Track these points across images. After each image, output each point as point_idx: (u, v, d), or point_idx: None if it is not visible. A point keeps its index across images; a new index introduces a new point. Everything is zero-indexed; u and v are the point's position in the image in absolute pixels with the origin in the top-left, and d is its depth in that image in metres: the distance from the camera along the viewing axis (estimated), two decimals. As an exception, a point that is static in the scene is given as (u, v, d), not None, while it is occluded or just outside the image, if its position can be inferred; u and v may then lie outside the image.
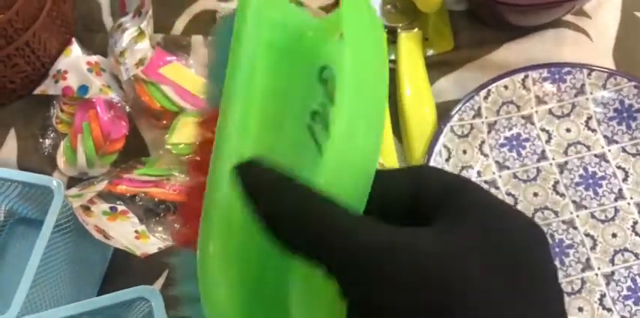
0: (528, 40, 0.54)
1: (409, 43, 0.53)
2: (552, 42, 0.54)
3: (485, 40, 0.54)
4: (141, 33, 0.50)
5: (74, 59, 0.53)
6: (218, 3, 0.57)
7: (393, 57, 0.54)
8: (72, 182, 0.53)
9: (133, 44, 0.50)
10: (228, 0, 0.56)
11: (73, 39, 0.54)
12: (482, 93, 0.50)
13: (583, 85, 0.51)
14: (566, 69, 0.51)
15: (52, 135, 0.54)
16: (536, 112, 0.51)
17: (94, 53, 0.55)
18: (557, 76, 0.51)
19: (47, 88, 0.53)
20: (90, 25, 0.58)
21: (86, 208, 0.46)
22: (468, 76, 0.54)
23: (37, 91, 0.53)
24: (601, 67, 0.51)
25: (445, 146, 0.49)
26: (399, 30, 0.54)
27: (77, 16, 0.58)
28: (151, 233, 0.48)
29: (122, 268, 0.51)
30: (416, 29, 0.54)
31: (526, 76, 0.51)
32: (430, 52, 0.55)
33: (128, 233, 0.46)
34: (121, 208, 0.48)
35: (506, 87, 0.51)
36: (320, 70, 0.23)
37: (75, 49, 0.54)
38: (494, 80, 0.50)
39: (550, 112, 0.52)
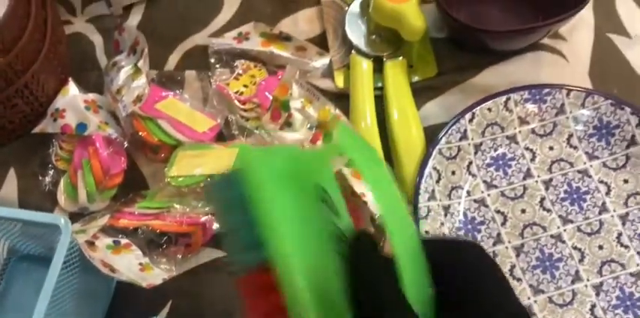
0: (508, 63, 0.57)
1: (395, 71, 0.56)
2: (531, 64, 0.57)
3: (467, 65, 0.57)
4: (137, 70, 0.52)
5: (71, 98, 0.55)
6: (209, 38, 0.59)
7: (380, 84, 0.57)
8: (73, 218, 0.55)
9: (130, 81, 0.53)
10: (218, 35, 0.59)
11: (70, 78, 0.56)
12: (467, 116, 0.53)
13: (563, 104, 0.54)
14: (546, 90, 0.54)
15: (51, 172, 0.56)
16: (520, 132, 0.54)
17: (90, 91, 0.58)
18: (537, 97, 0.54)
19: (46, 126, 0.55)
20: (84, 64, 0.60)
21: (91, 244, 0.48)
22: (452, 100, 0.57)
23: (36, 130, 0.56)
24: (579, 87, 0.54)
25: (435, 168, 0.52)
26: (384, 59, 0.57)
27: (72, 55, 0.60)
28: (154, 265, 0.50)
29: (127, 299, 0.53)
30: (401, 57, 0.57)
31: (508, 99, 0.54)
32: (415, 79, 0.58)
33: (133, 266, 0.48)
34: (124, 241, 0.50)
35: (489, 109, 0.54)
36: (318, 194, 0.27)
37: (72, 88, 0.56)
38: (478, 103, 0.53)
39: (533, 131, 0.54)
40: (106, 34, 0.61)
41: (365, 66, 0.56)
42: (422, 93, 0.57)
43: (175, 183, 0.49)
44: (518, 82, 0.56)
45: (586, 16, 0.59)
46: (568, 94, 0.54)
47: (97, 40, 0.61)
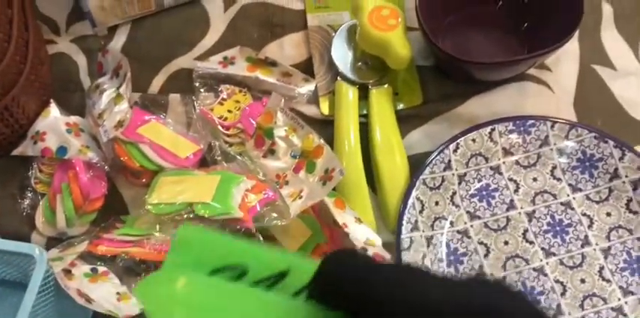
0: (493, 93, 0.57)
1: (380, 99, 0.56)
2: (516, 95, 0.58)
3: (453, 94, 0.58)
4: (119, 95, 0.52)
5: (52, 120, 0.55)
6: (194, 62, 0.59)
7: (365, 111, 0.57)
8: (51, 242, 0.55)
9: (112, 106, 0.52)
10: (204, 59, 0.59)
11: (51, 100, 0.56)
12: (452, 146, 0.53)
13: (547, 136, 0.54)
14: (531, 121, 0.54)
15: (30, 195, 0.55)
16: (504, 163, 0.55)
17: (72, 113, 0.57)
18: (522, 129, 0.54)
19: (26, 149, 0.54)
20: (67, 85, 0.60)
21: (67, 272, 0.47)
22: (437, 129, 0.57)
23: (16, 152, 0.55)
24: (563, 119, 0.54)
25: (418, 199, 0.52)
26: (370, 86, 0.57)
27: (54, 75, 0.60)
28: (131, 293, 0.49)
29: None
30: (386, 85, 0.57)
31: (493, 130, 0.54)
32: (401, 106, 0.58)
33: (110, 295, 0.47)
34: (101, 269, 0.49)
35: (474, 140, 0.54)
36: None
37: (53, 110, 0.56)
38: (462, 134, 0.53)
39: (517, 162, 0.55)
40: (90, 54, 0.61)
41: (350, 93, 0.56)
42: (407, 121, 0.57)
43: (155, 211, 0.49)
44: (503, 113, 0.57)
45: (572, 47, 0.60)
46: (552, 126, 0.54)
47: (81, 60, 0.61)
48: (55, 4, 0.62)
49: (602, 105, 0.58)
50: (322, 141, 0.49)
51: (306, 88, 0.57)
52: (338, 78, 0.58)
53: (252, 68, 0.57)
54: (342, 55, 0.58)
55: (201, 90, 0.57)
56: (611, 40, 0.61)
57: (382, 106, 0.56)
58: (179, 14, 0.62)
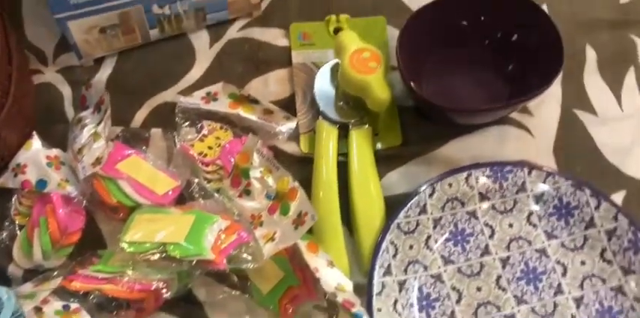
0: (473, 136, 0.58)
1: (359, 139, 0.56)
2: (496, 138, 0.58)
3: (432, 136, 0.58)
4: (97, 133, 0.52)
5: (34, 153, 0.55)
6: (177, 95, 0.60)
7: (345, 151, 0.57)
8: (28, 274, 0.55)
9: (92, 142, 0.53)
10: (187, 93, 0.60)
11: (34, 132, 0.56)
12: (427, 190, 0.53)
13: (524, 182, 0.54)
14: (508, 168, 0.54)
15: (9, 227, 0.55)
16: (480, 207, 0.55)
17: (54, 144, 0.57)
18: (499, 175, 0.54)
19: (6, 181, 0.55)
20: (52, 116, 0.60)
21: (38, 310, 0.47)
22: (415, 170, 0.57)
23: (-4, 183, 0.55)
24: (540, 166, 0.55)
25: (392, 243, 0.52)
26: (350, 126, 0.57)
27: (39, 106, 0.60)
28: (102, 331, 0.49)
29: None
30: (367, 125, 0.57)
31: (469, 175, 0.54)
32: (380, 147, 0.58)
33: (80, 333, 0.47)
34: (74, 306, 0.49)
35: (450, 185, 0.54)
36: None
37: (35, 143, 0.56)
38: (438, 178, 0.54)
39: (493, 207, 0.55)
40: (75, 86, 0.61)
41: (330, 132, 0.57)
42: (386, 161, 0.57)
43: (129, 249, 0.49)
44: (482, 156, 0.57)
45: (554, 90, 0.60)
46: (530, 173, 0.54)
47: (66, 91, 0.61)
48: (43, 35, 0.63)
49: (582, 151, 0.58)
50: (297, 184, 0.49)
51: (287, 127, 0.57)
52: (319, 117, 0.58)
53: (234, 105, 0.58)
54: (324, 94, 0.59)
55: (183, 125, 0.57)
56: (594, 85, 0.61)
57: (361, 147, 0.56)
58: (165, 48, 0.62)
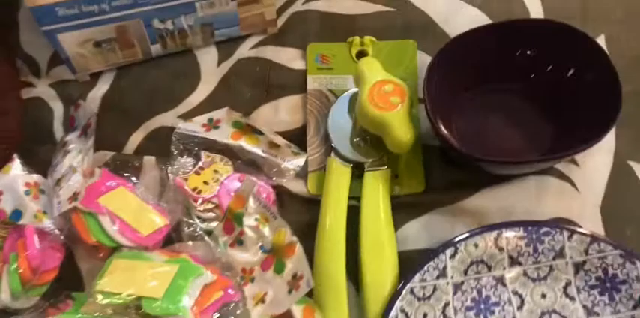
0: (506, 187, 0.50)
1: (375, 183, 0.49)
2: (533, 190, 0.50)
3: (460, 183, 0.50)
4: (73, 167, 0.46)
5: (12, 179, 0.50)
6: (177, 119, 0.53)
7: (358, 194, 0.50)
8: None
9: (71, 173, 0.47)
10: (188, 117, 0.53)
11: (15, 155, 0.51)
12: (449, 251, 0.46)
13: (562, 247, 0.47)
14: (545, 229, 0.47)
15: (-20, 258, 0.50)
16: (509, 273, 0.47)
17: (38, 167, 0.52)
18: (534, 236, 0.47)
19: (-20, 208, 0.50)
20: (39, 135, 0.54)
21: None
22: (437, 222, 0.50)
23: (-31, 210, 0.50)
24: (583, 230, 0.46)
25: (403, 310, 0.45)
26: (366, 166, 0.50)
27: (27, 122, 0.55)
28: None
29: None
30: (385, 167, 0.50)
31: (499, 234, 0.46)
32: (399, 192, 0.51)
33: None
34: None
35: (476, 245, 0.46)
36: None
37: (15, 167, 0.50)
38: (463, 237, 0.46)
39: (525, 273, 0.47)
40: (68, 102, 0.55)
41: (342, 173, 0.50)
42: (404, 210, 0.50)
43: (102, 300, 0.43)
44: (515, 211, 0.49)
45: (606, 137, 0.51)
46: (570, 237, 0.46)
47: (58, 108, 0.55)
48: (38, 44, 0.57)
49: (634, 211, 0.50)
50: (295, 238, 0.42)
51: (295, 163, 0.50)
52: (332, 153, 0.51)
53: (237, 135, 0.51)
54: (339, 127, 0.52)
55: (179, 155, 0.51)
56: (655, 132, 0.53)
57: (376, 192, 0.49)
58: (169, 65, 0.56)
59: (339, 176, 0.50)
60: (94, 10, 0.47)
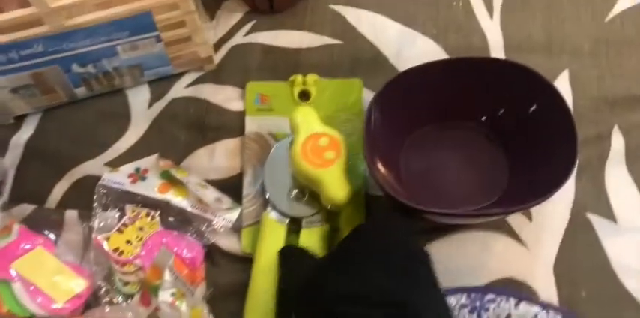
0: (451, 242, 0.46)
1: (312, 241, 0.45)
2: (480, 248, 0.46)
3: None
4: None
5: None
6: (104, 168, 0.50)
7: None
8: None
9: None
10: (117, 164, 0.49)
11: None
12: (384, 322, 0.43)
13: (509, 315, 0.43)
14: (490, 296, 0.43)
15: None
16: (451, 342, 0.44)
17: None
18: (477, 304, 0.43)
19: None
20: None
21: None
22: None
23: None
24: (531, 298, 0.43)
25: None
26: (303, 222, 0.46)
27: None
28: None
29: None
30: (323, 223, 0.46)
31: (440, 303, 0.43)
32: (340, 248, 0.47)
33: None
34: None
35: (414, 315, 0.43)
36: None
37: None
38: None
39: (468, 343, 0.44)
40: (-9, 148, 0.52)
41: (275, 231, 0.46)
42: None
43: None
44: (460, 272, 0.45)
45: (565, 188, 0.46)
46: (517, 305, 0.43)
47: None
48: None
49: (591, 270, 0.46)
50: (212, 317, 0.39)
51: (227, 219, 0.47)
52: (268, 207, 0.48)
53: (165, 188, 0.47)
54: (276, 178, 0.48)
55: (103, 209, 0.47)
56: (617, 181, 0.48)
57: (313, 250, 0.45)
58: (97, 105, 0.52)
59: (273, 234, 0.46)
60: (2, 60, 0.43)
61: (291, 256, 0.43)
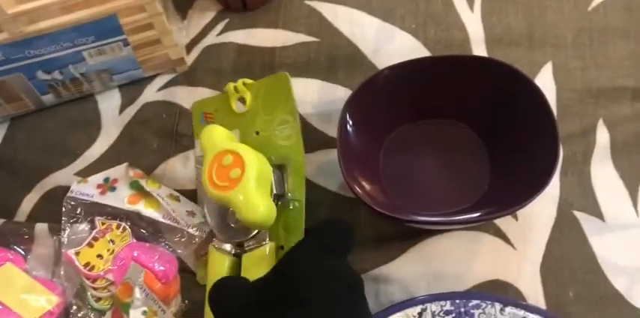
0: (435, 246, 0.44)
1: (252, 264, 0.41)
2: (465, 250, 0.44)
3: (384, 241, 0.44)
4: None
5: None
6: (74, 177, 0.47)
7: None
8: None
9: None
10: (87, 173, 0.47)
11: None
12: (366, 332, 0.41)
13: (494, 320, 0.42)
14: (475, 302, 0.41)
15: None
16: (436, 351, 0.42)
17: None
18: (462, 310, 0.41)
19: None
20: None
21: None
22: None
23: None
24: (517, 302, 0.41)
25: None
26: (245, 245, 0.42)
27: None
28: None
29: None
30: (266, 242, 0.42)
31: (424, 310, 0.41)
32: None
33: None
34: None
35: (397, 323, 0.41)
36: None
37: None
38: (381, 315, 0.41)
39: (453, 350, 0.42)
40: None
41: (219, 262, 0.42)
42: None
43: None
44: (444, 276, 0.44)
45: (550, 185, 0.43)
46: (502, 310, 0.41)
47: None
48: None
49: (579, 270, 0.44)
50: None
51: (202, 230, 0.44)
52: (214, 236, 0.44)
53: (135, 198, 0.45)
54: (213, 205, 0.44)
55: (73, 222, 0.45)
56: (604, 177, 0.46)
57: (257, 274, 0.38)
58: (67, 113, 0.50)
59: (217, 266, 0.42)
60: (-40, 70, 0.41)
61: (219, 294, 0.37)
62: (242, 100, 0.47)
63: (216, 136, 0.42)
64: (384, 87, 0.45)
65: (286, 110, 0.44)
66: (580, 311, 0.43)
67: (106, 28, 0.44)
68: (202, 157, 0.42)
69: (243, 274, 0.41)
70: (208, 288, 0.41)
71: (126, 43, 0.45)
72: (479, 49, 0.51)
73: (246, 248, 0.42)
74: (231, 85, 0.47)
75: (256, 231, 0.42)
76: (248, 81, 0.46)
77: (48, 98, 0.48)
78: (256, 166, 0.40)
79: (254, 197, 0.39)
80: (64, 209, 0.45)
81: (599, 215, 0.45)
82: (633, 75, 0.49)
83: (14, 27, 0.41)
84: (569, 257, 0.44)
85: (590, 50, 0.50)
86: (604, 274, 0.44)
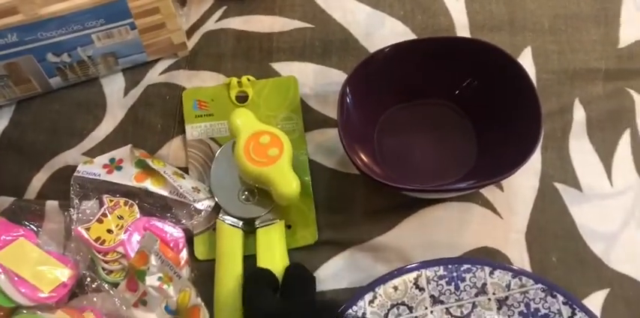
0: (428, 217, 0.46)
1: (268, 240, 0.43)
2: (456, 221, 0.46)
3: (381, 212, 0.46)
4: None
5: None
6: (82, 157, 0.47)
7: (253, 252, 0.44)
8: None
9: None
10: (94, 154, 0.47)
11: None
12: (368, 297, 0.42)
13: (485, 284, 0.43)
14: (466, 266, 0.43)
15: None
16: (432, 312, 0.43)
17: None
18: (454, 274, 0.43)
19: None
20: None
21: None
22: (358, 259, 0.45)
23: None
24: (505, 266, 0.42)
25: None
26: (257, 222, 0.44)
27: None
28: None
29: None
30: (277, 220, 0.44)
31: (419, 275, 0.42)
32: (292, 246, 0.45)
33: None
34: None
35: (395, 288, 0.42)
36: None
37: None
38: (380, 281, 0.42)
39: (447, 312, 0.43)
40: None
41: (233, 235, 0.44)
42: (323, 247, 0.45)
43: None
44: (437, 244, 0.45)
45: (533, 159, 0.46)
46: (492, 273, 0.43)
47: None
48: None
49: (560, 236, 0.46)
50: (199, 300, 0.38)
51: (206, 204, 0.45)
52: (220, 213, 0.45)
53: (141, 176, 0.46)
54: (224, 182, 0.46)
55: (79, 200, 0.45)
56: (581, 151, 0.48)
57: (272, 248, 0.43)
58: (72, 96, 0.50)
59: (231, 239, 0.44)
60: (-27, 51, 0.41)
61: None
62: (240, 96, 0.49)
63: (250, 118, 0.45)
64: (377, 69, 0.46)
65: (291, 109, 0.48)
66: (562, 274, 0.45)
67: (115, 11, 0.44)
68: (235, 137, 0.44)
69: (259, 248, 0.43)
70: (218, 260, 0.43)
71: (133, 27, 0.46)
72: (463, 34, 0.52)
73: (258, 224, 0.44)
74: (234, 79, 0.48)
75: (268, 209, 0.44)
76: (251, 78, 0.49)
77: (55, 81, 0.48)
78: (290, 150, 0.43)
79: (291, 173, 0.42)
80: (71, 188, 0.45)
81: (578, 186, 0.47)
82: (604, 58, 0.51)
83: (29, 9, 0.41)
84: (551, 225, 0.46)
85: (565, 35, 0.52)
86: (583, 239, 0.46)
